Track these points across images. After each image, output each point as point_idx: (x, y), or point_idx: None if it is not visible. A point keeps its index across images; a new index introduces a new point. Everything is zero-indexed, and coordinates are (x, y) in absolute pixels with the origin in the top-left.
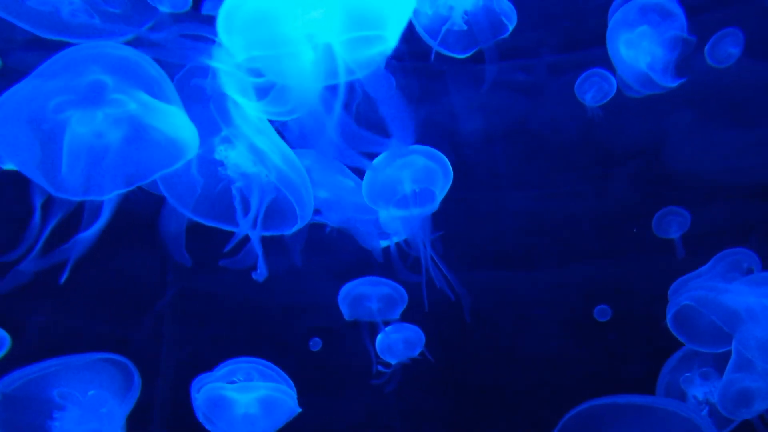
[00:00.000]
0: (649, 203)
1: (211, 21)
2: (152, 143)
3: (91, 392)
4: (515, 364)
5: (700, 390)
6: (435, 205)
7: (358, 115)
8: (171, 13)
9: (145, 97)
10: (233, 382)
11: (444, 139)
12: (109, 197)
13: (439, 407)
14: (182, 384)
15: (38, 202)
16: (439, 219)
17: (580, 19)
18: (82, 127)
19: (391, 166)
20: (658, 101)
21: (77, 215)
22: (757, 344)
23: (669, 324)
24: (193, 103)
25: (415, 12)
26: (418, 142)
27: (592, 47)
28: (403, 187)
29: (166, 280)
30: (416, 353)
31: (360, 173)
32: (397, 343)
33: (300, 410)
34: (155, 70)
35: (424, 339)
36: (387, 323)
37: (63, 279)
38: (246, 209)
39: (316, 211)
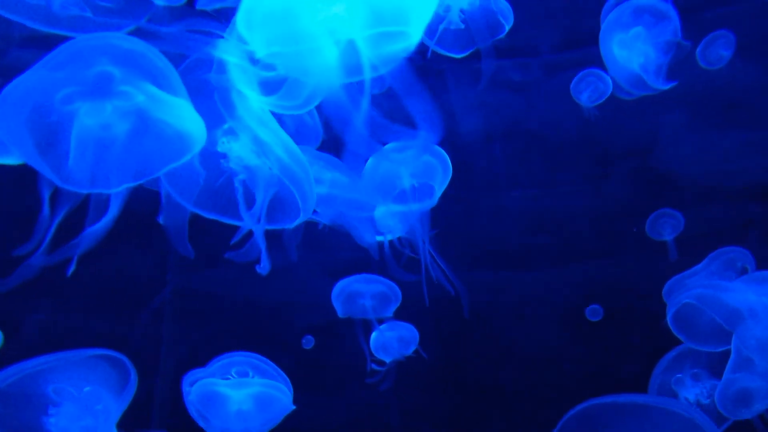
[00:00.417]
0: (649, 203)
1: (205, 15)
2: (160, 136)
3: (86, 388)
4: (514, 363)
5: (691, 391)
6: (434, 201)
7: (382, 109)
8: (166, 6)
9: (153, 90)
10: (227, 378)
11: (442, 139)
12: (117, 191)
13: (438, 406)
14: (180, 382)
15: (46, 195)
16: (437, 218)
17: (578, 17)
18: (91, 119)
19: (390, 161)
20: (653, 102)
21: (82, 211)
22: (757, 343)
23: (669, 322)
24: (196, 95)
25: None
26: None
27: (591, 46)
28: (402, 181)
29: (165, 278)
30: (411, 351)
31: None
32: (392, 341)
33: (294, 407)
34: (162, 62)
35: (418, 337)
36: (381, 321)
37: (70, 272)
38: (248, 202)
39: None
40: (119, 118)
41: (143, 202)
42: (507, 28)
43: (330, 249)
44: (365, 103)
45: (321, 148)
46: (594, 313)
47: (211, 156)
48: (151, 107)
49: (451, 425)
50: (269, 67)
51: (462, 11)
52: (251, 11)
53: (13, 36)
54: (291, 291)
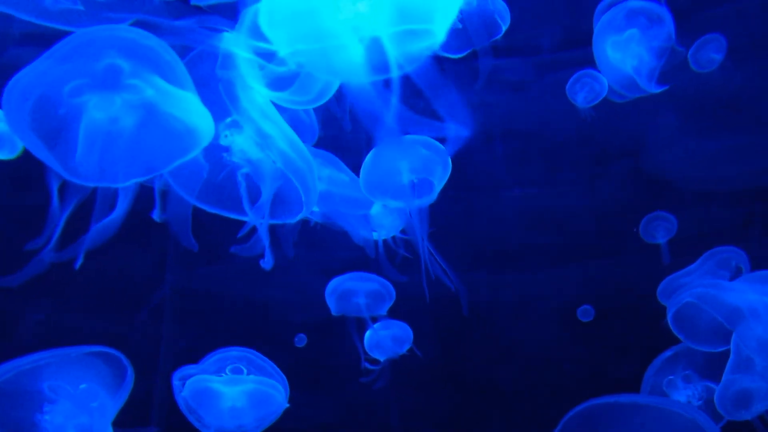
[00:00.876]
0: (649, 203)
1: (200, 11)
2: (168, 130)
3: (82, 386)
4: (514, 363)
5: (682, 393)
6: (433, 196)
7: (411, 106)
8: (161, 1)
9: (161, 83)
10: (221, 375)
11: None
12: (125, 185)
13: (437, 406)
14: None
15: (55, 187)
16: (436, 217)
17: (577, 17)
18: (99, 112)
19: (390, 156)
20: (647, 103)
21: (83, 209)
22: (758, 343)
23: (669, 322)
24: (200, 88)
25: None
26: None
27: (590, 46)
28: (402, 177)
29: (163, 277)
30: (405, 350)
31: None
32: (386, 339)
33: (288, 406)
34: (169, 54)
35: (412, 335)
36: (375, 319)
37: (78, 264)
38: (251, 196)
39: None
40: (128, 112)
41: (142, 201)
42: (504, 28)
43: (327, 248)
44: (394, 100)
45: (317, 145)
46: (585, 313)
47: (213, 149)
48: (159, 101)
49: (450, 425)
50: (281, 62)
51: (459, 11)
52: (274, 8)
53: (11, 34)
54: (289, 289)
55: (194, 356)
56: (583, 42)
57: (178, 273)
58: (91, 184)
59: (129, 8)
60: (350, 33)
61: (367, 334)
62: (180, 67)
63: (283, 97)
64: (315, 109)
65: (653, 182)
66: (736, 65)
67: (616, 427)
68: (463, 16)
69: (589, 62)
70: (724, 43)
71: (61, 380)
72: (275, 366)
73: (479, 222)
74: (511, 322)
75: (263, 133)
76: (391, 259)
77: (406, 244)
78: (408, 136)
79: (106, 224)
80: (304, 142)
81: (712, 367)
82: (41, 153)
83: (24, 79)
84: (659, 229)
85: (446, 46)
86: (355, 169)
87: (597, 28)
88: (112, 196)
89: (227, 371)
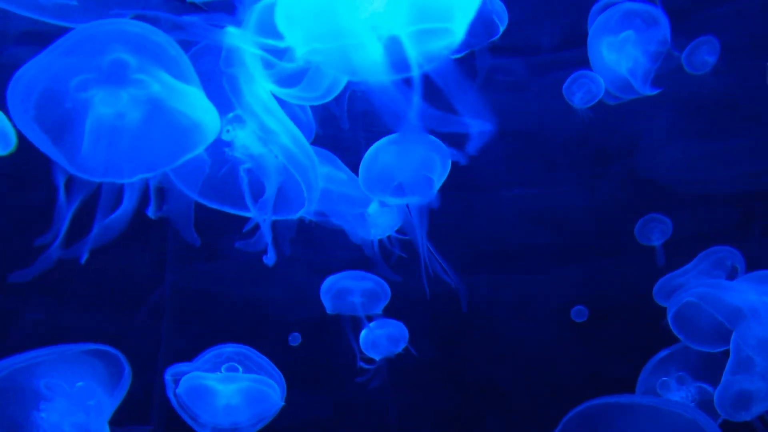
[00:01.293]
0: (649, 203)
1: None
2: (174, 125)
3: (79, 384)
4: (513, 363)
5: (676, 394)
6: (433, 193)
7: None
8: None
9: (168, 78)
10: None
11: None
12: (131, 181)
13: (436, 405)
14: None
15: (61, 182)
16: (436, 217)
17: (576, 17)
18: (106, 107)
19: (389, 153)
20: (647, 104)
21: (87, 207)
22: (758, 342)
23: (669, 322)
24: (203, 83)
25: None
26: None
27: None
28: (401, 174)
29: (162, 275)
30: (400, 349)
31: None
32: (381, 338)
33: (283, 404)
34: (174, 49)
35: (407, 334)
36: (370, 318)
37: (83, 259)
38: (253, 191)
39: None
40: (134, 107)
41: (141, 201)
42: (502, 28)
43: (325, 246)
44: (416, 98)
45: (315, 144)
46: (579, 314)
47: (215, 144)
48: (166, 96)
49: (449, 425)
50: (290, 58)
51: None
52: (291, 7)
53: (9, 33)
54: (287, 288)
55: (193, 355)
56: (582, 42)
57: (177, 272)
58: (97, 180)
59: (123, 4)
60: (369, 32)
61: (363, 332)
62: (185, 62)
63: (292, 93)
64: (312, 108)
65: (653, 182)
66: (736, 65)
67: (617, 427)
68: None
69: (588, 62)
70: (718, 45)
71: (57, 378)
72: (272, 364)
73: (479, 222)
74: (511, 322)
75: (266, 128)
76: (387, 258)
77: (405, 243)
78: (407, 134)
79: (111, 221)
80: None
81: (705, 369)
82: (46, 147)
83: (29, 71)
84: (655, 231)
85: None
86: (353, 168)
87: (592, 29)
88: (118, 192)
89: (222, 369)
